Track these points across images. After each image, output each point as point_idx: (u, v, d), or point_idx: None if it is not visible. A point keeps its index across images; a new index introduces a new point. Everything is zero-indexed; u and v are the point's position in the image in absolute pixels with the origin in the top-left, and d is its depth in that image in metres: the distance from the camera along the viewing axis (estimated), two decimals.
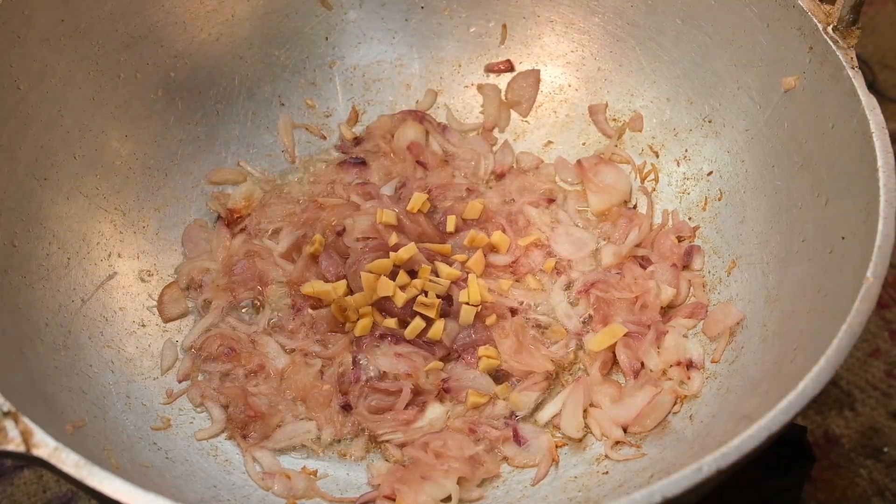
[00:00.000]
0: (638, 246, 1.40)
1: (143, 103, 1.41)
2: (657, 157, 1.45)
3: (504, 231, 1.40)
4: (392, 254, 1.33)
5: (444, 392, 1.28)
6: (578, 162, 1.48)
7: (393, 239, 1.34)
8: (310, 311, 1.34)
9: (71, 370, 1.19)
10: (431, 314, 1.30)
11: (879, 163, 1.05)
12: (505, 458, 1.24)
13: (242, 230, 1.44)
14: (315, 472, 1.21)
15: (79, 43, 1.31)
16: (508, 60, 1.57)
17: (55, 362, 1.18)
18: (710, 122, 1.38)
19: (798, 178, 1.21)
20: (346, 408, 1.26)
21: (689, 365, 1.25)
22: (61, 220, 1.29)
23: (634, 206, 1.46)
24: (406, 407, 1.26)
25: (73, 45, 1.31)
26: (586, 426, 1.24)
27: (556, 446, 1.23)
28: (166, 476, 1.14)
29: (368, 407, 1.26)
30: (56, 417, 1.08)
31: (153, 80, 1.41)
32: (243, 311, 1.37)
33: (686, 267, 1.36)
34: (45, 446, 0.89)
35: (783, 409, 0.90)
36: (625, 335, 1.28)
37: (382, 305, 1.32)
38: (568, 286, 1.38)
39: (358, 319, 1.31)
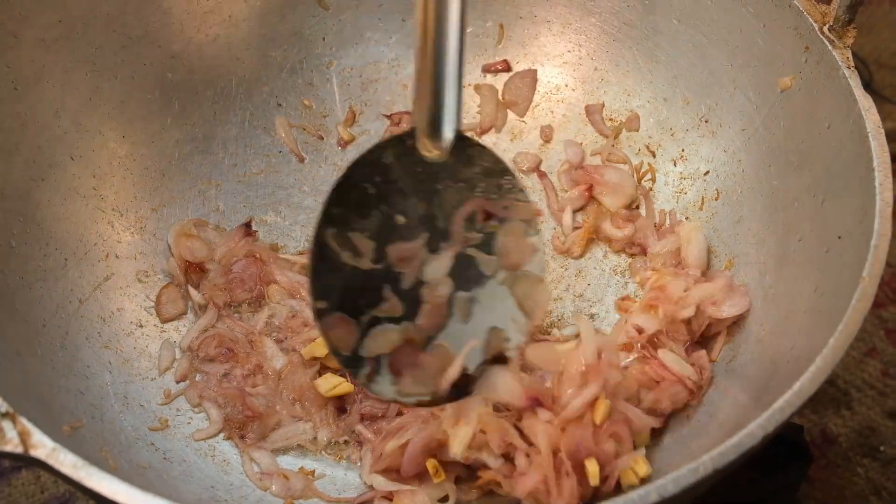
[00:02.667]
0: None
1: (141, 104, 1.40)
2: (654, 156, 1.45)
3: None
4: None
5: None
6: (582, 167, 1.48)
7: None
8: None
9: (69, 371, 1.19)
10: None
11: (875, 162, 1.06)
12: None
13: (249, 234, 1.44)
14: (312, 473, 1.21)
15: (76, 44, 1.31)
16: (505, 60, 1.57)
17: (53, 363, 1.18)
18: (706, 121, 1.38)
19: (794, 178, 1.22)
20: (341, 411, 1.26)
21: None
22: (59, 220, 1.29)
23: (636, 208, 1.46)
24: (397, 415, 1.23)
25: (70, 47, 1.31)
26: None
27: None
28: (164, 477, 1.14)
29: (362, 412, 1.25)
30: (53, 418, 1.08)
31: (150, 80, 1.41)
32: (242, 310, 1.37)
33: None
34: (43, 447, 0.89)
35: (779, 409, 0.90)
36: None
37: None
38: None
39: None
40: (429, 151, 1.07)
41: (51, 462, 0.89)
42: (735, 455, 0.88)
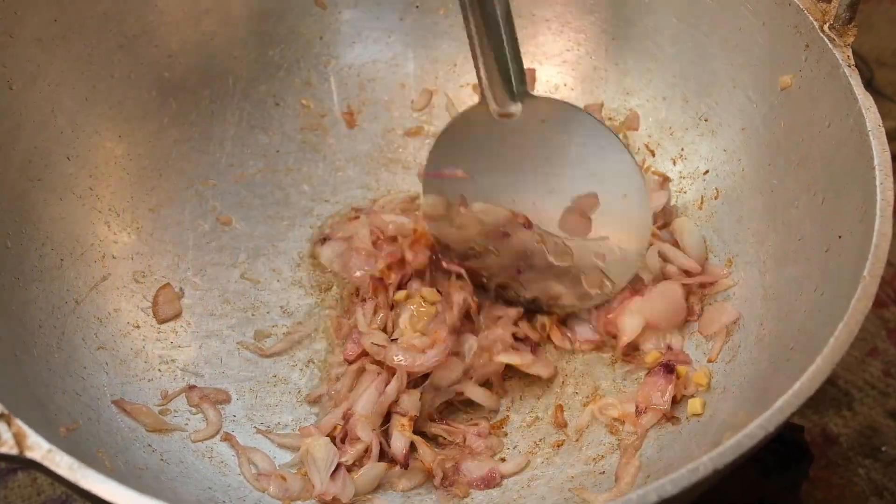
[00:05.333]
0: None
1: (137, 103, 1.40)
2: (653, 155, 1.45)
3: None
4: None
5: None
6: None
7: None
8: None
9: (65, 372, 1.18)
10: None
11: (876, 161, 1.05)
12: None
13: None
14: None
15: (72, 43, 1.31)
16: None
17: (49, 364, 1.17)
18: (706, 120, 1.38)
19: (794, 177, 1.21)
20: None
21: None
22: (55, 221, 1.28)
23: None
24: None
25: (66, 45, 1.30)
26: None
27: (557, 445, 1.23)
28: (161, 478, 1.13)
29: None
30: (50, 420, 1.08)
31: (147, 80, 1.40)
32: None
33: None
34: (39, 448, 0.88)
35: (779, 409, 0.89)
36: None
37: None
38: None
39: None
40: (504, 112, 1.21)
41: (46, 464, 0.88)
42: (734, 455, 0.87)
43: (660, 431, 1.18)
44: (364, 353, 1.28)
